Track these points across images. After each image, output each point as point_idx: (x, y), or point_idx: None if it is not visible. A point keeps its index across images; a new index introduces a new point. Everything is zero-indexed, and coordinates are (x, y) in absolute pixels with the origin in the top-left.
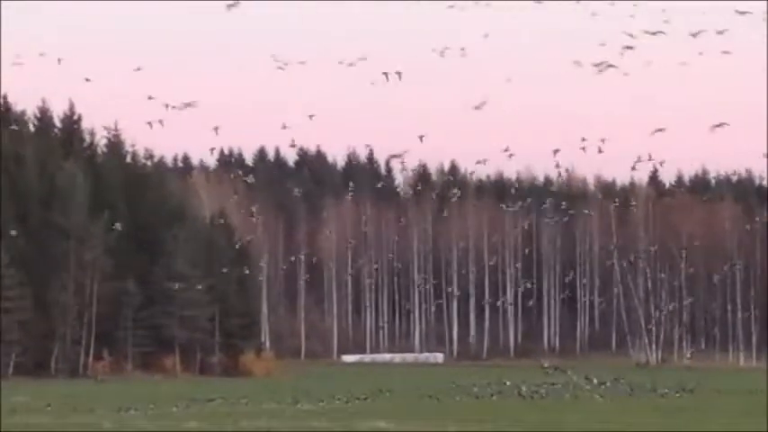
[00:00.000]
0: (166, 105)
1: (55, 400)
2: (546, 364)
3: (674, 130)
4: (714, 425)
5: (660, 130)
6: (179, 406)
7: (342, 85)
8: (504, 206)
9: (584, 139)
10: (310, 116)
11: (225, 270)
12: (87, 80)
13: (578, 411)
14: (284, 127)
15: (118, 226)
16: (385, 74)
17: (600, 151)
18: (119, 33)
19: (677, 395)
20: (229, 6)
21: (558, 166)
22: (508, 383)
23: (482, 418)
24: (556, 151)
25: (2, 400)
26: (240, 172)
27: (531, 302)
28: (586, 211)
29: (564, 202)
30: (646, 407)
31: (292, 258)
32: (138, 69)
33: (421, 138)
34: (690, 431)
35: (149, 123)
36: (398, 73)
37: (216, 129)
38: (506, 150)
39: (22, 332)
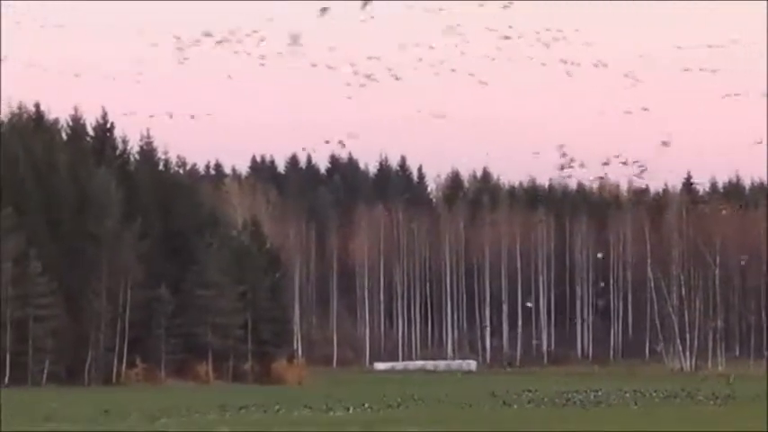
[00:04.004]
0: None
1: (88, 407)
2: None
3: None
4: None
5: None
6: (212, 413)
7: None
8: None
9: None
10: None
11: (257, 277)
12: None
13: (613, 420)
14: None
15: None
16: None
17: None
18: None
19: (712, 403)
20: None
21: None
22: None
23: (514, 427)
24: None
25: (35, 408)
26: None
27: (564, 309)
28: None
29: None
30: (680, 415)
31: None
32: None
33: None
34: None
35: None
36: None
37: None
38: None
39: (55, 340)
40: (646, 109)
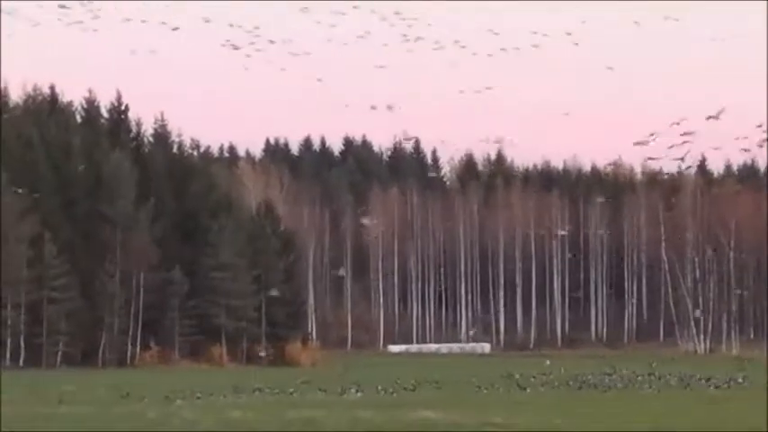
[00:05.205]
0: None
1: (102, 389)
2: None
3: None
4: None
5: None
6: (226, 395)
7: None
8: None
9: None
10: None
11: (271, 260)
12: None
13: (628, 402)
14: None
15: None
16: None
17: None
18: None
19: (726, 386)
20: None
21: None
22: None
23: (529, 409)
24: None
25: (50, 390)
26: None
27: (578, 292)
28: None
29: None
30: (696, 398)
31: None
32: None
33: None
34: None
35: None
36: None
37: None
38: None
39: (69, 322)
40: (489, 88)
